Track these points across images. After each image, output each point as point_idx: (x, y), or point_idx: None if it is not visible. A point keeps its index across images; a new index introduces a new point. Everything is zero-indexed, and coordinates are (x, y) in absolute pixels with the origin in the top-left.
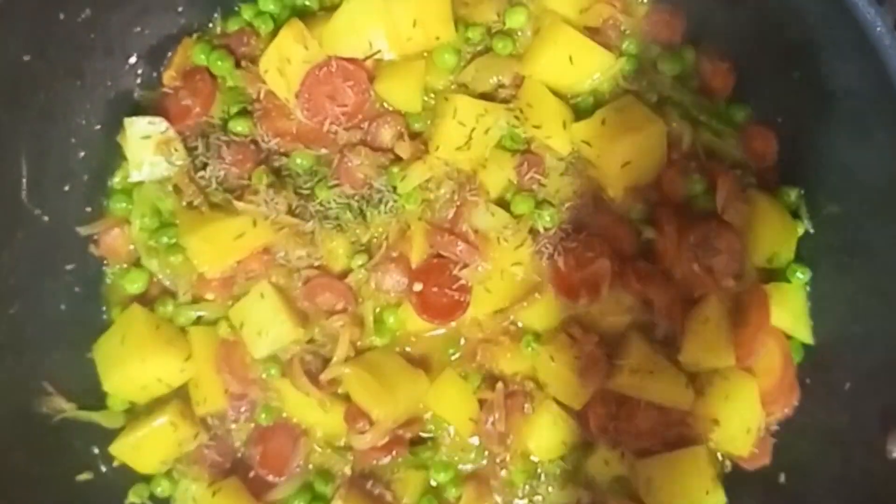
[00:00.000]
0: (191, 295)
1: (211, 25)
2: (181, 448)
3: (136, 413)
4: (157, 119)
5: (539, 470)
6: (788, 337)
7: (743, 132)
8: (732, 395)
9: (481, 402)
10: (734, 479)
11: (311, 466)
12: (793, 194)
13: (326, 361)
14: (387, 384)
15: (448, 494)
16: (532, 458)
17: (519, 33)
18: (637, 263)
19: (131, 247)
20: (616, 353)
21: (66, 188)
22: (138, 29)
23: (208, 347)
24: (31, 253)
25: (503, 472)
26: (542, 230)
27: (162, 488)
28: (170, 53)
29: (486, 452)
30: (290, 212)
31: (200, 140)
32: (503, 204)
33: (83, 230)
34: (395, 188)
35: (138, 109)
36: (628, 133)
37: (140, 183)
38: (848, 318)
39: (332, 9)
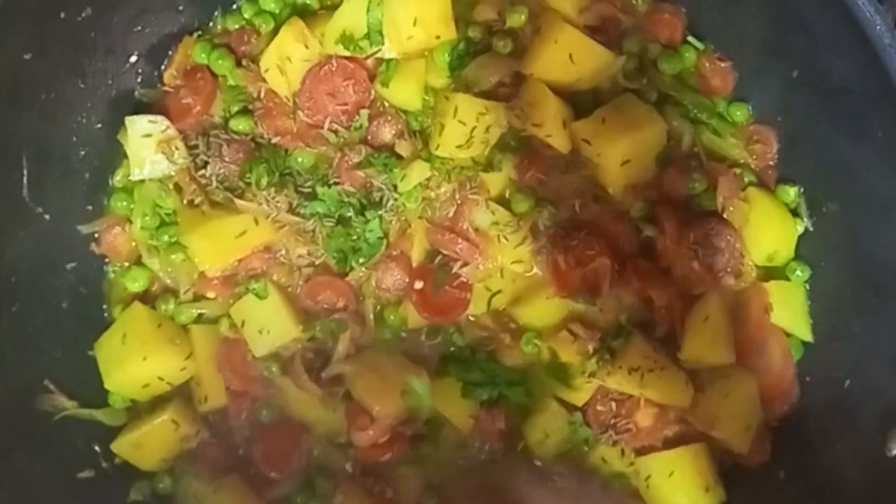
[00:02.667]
0: (192, 293)
1: (211, 24)
2: (183, 445)
3: (138, 411)
4: (158, 117)
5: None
6: (788, 335)
7: (743, 131)
8: (732, 392)
9: (482, 402)
10: (734, 476)
11: (312, 464)
12: (792, 192)
13: (327, 359)
14: (388, 381)
15: (448, 491)
16: (532, 455)
17: (519, 32)
18: (637, 261)
19: (132, 245)
20: (616, 351)
21: (68, 186)
22: (139, 28)
23: (209, 345)
24: (33, 251)
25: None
26: (542, 228)
27: (164, 486)
28: (170, 52)
29: (487, 449)
30: (291, 210)
31: (201, 138)
32: (503, 202)
33: (84, 228)
34: (395, 187)
35: (139, 108)
36: (628, 131)
37: (141, 181)
38: (847, 316)
39: (333, 7)
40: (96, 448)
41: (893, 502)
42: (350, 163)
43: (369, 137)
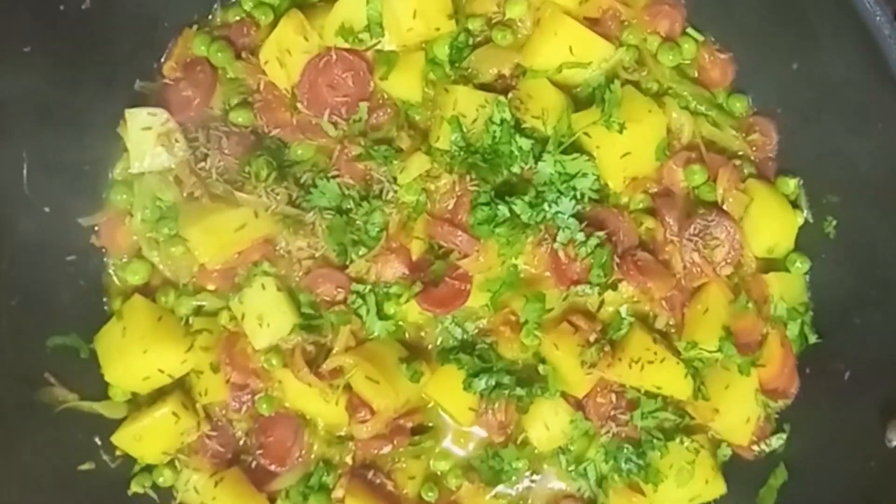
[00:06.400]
0: (192, 286)
1: (211, 16)
2: (183, 438)
3: (138, 403)
4: (158, 110)
5: (539, 459)
6: (788, 326)
7: (743, 122)
8: (732, 384)
9: (481, 391)
10: (734, 467)
11: (312, 456)
12: (792, 184)
13: (328, 352)
14: (387, 374)
15: (449, 483)
16: (532, 447)
17: (519, 24)
18: (637, 253)
19: (133, 238)
20: (616, 343)
21: (67, 179)
22: (138, 20)
23: (210, 338)
24: (33, 244)
25: (503, 462)
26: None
27: (164, 478)
28: (170, 44)
29: (487, 441)
30: (291, 202)
31: (201, 131)
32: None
33: (84, 221)
34: (394, 179)
35: (139, 100)
36: (628, 124)
37: (141, 174)
38: (847, 308)
39: None
40: (97, 441)
41: (894, 493)
42: (350, 155)
43: (369, 130)
